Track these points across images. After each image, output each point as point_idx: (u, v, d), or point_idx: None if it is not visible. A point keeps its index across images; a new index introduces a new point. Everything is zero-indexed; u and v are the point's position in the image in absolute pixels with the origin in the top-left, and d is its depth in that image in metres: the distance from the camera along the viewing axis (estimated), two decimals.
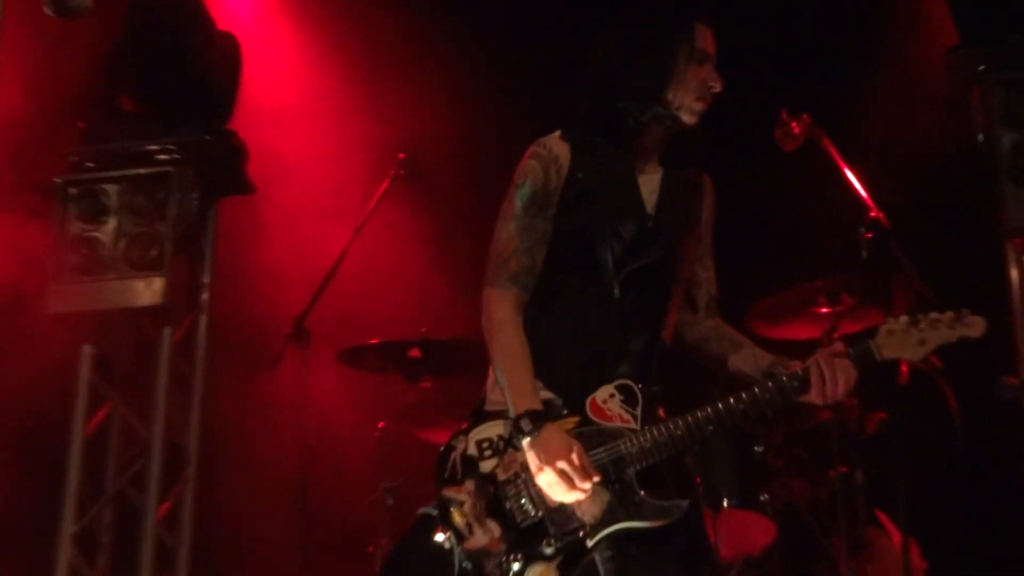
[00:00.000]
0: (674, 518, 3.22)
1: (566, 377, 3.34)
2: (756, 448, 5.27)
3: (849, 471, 5.13)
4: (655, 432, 3.25)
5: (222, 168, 5.83)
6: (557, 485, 3.18)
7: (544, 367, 3.34)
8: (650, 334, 3.39)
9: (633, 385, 3.31)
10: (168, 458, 5.67)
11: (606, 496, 3.22)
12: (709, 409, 3.26)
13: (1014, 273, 5.30)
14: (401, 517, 5.13)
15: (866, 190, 4.44)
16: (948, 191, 5.84)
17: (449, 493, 3.31)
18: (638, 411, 3.29)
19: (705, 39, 3.43)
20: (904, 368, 4.45)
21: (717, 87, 3.42)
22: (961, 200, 5.72)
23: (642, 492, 3.23)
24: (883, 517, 5.29)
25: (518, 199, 3.42)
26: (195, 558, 5.72)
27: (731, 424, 3.26)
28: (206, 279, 5.95)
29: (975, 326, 3.25)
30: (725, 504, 5.07)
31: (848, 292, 5.20)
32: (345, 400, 5.89)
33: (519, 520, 3.25)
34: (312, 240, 5.97)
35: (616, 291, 3.36)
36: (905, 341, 3.26)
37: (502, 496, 3.27)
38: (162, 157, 5.70)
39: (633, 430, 3.26)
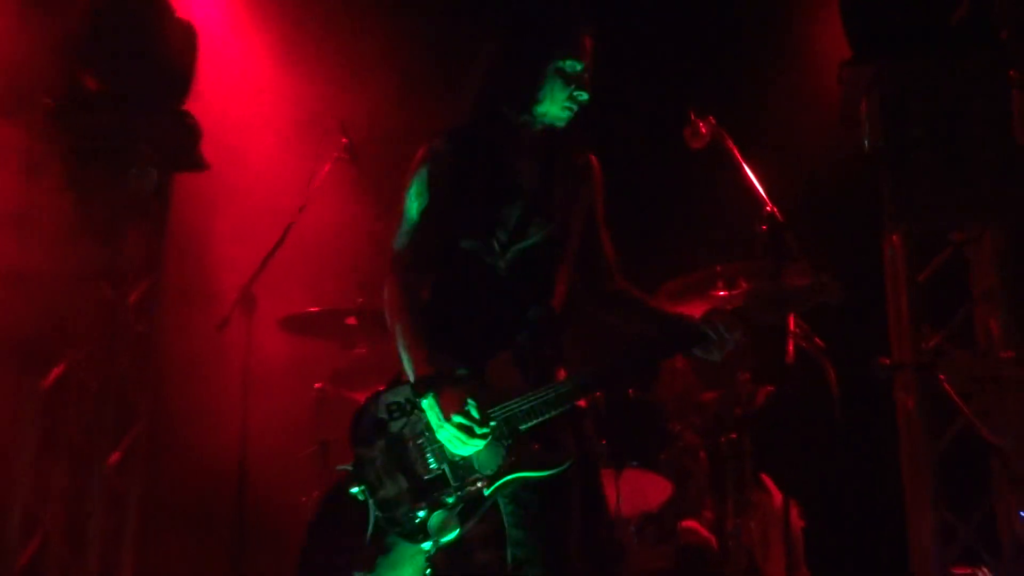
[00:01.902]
0: (564, 466, 3.33)
1: (467, 347, 3.43)
2: (658, 415, 5.37)
3: (738, 438, 5.24)
4: (544, 391, 3.36)
5: (178, 145, 5.86)
6: (456, 438, 3.29)
7: (447, 340, 3.44)
8: (541, 304, 3.47)
9: (527, 350, 3.41)
10: (120, 411, 5.68)
11: (501, 450, 3.33)
12: (596, 368, 3.41)
13: (890, 265, 5.43)
14: (333, 471, 5.20)
15: (763, 187, 4.49)
16: (836, 189, 5.93)
17: (362, 451, 3.40)
18: (531, 373, 3.40)
19: (579, 50, 3.51)
20: (791, 347, 4.58)
21: (583, 97, 3.52)
22: (847, 197, 5.82)
23: (535, 445, 3.34)
24: (767, 480, 5.41)
25: (409, 198, 3.54)
26: (144, 502, 5.76)
27: (620, 376, 3.53)
28: (161, 248, 5.96)
29: (831, 291, 3.52)
30: (627, 465, 5.12)
31: (744, 277, 5.31)
32: (286, 362, 5.87)
33: (423, 474, 3.36)
34: (260, 214, 5.92)
35: (504, 268, 3.46)
36: (767, 306, 3.45)
37: (409, 453, 3.38)
38: (123, 134, 5.70)
39: (525, 390, 3.36)
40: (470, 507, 3.32)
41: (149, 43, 5.74)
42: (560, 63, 3.48)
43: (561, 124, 3.55)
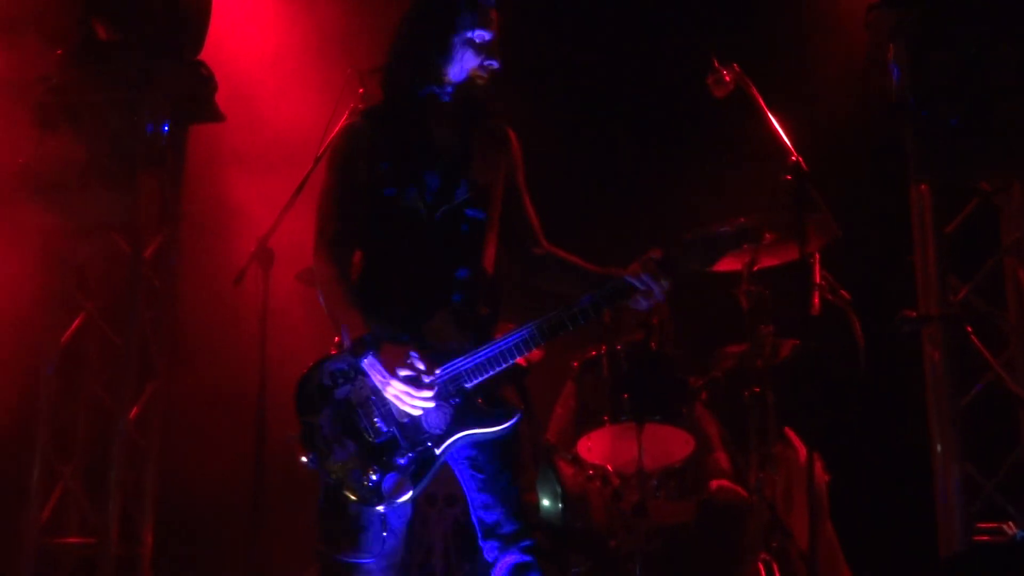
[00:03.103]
0: (511, 420, 3.36)
1: (403, 311, 3.44)
2: (679, 368, 5.26)
3: (762, 391, 5.12)
4: (486, 349, 3.37)
5: (192, 96, 5.74)
6: (404, 393, 3.29)
7: (383, 306, 3.45)
8: (472, 264, 3.50)
9: (464, 310, 3.43)
10: (139, 365, 5.62)
11: (449, 410, 3.35)
12: (533, 324, 3.39)
13: (917, 215, 5.29)
14: None
15: (788, 136, 4.35)
16: (863, 138, 5.81)
17: (309, 420, 3.39)
18: (470, 333, 3.41)
19: (487, 20, 3.53)
20: (816, 300, 4.50)
21: (494, 65, 3.54)
22: (875, 146, 5.70)
23: (480, 403, 3.36)
24: (791, 433, 5.29)
25: (329, 175, 3.58)
26: (163, 456, 5.73)
27: (555, 332, 3.37)
28: (177, 200, 5.86)
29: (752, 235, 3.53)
30: (649, 419, 5.03)
31: (768, 229, 5.00)
32: (303, 315, 5.66)
33: (373, 437, 3.35)
34: (277, 166, 5.75)
35: (433, 231, 3.49)
36: (692, 254, 3.44)
37: (357, 418, 3.36)
38: (136, 83, 5.57)
39: (467, 349, 3.38)
40: (422, 468, 3.34)
41: None
42: (468, 34, 3.50)
43: (475, 91, 3.55)
